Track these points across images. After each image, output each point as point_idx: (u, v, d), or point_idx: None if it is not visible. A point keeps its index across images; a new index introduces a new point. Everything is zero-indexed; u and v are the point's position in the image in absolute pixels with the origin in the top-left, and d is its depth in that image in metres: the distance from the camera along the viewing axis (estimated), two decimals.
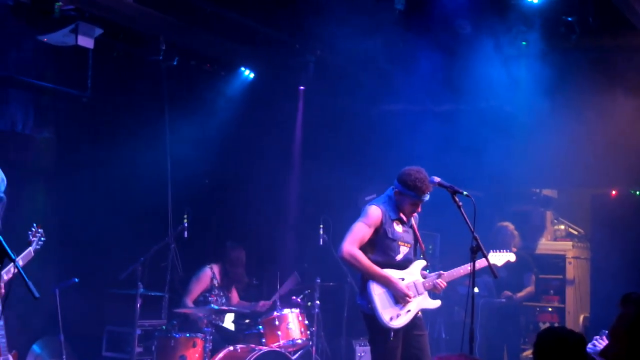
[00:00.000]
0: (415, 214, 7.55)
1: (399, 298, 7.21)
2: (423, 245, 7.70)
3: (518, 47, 10.37)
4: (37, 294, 5.02)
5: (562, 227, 12.95)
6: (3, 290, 6.23)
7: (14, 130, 9.30)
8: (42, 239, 6.92)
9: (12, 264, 5.39)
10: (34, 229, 6.86)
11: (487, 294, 11.02)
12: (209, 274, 9.80)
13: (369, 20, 9.89)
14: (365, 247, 7.28)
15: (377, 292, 7.22)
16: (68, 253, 9.68)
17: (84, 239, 9.79)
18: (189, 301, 9.72)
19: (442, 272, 7.49)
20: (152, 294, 9.36)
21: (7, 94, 9.19)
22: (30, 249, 6.73)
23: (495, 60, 10.41)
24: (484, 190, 11.12)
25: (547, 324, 11.61)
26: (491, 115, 11.20)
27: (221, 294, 9.72)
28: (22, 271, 5.17)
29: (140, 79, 10.44)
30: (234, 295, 10.31)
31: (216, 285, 9.69)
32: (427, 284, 7.41)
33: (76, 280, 8.73)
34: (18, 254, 7.11)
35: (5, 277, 6.27)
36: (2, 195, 5.71)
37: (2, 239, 5.11)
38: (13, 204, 8.76)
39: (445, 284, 7.45)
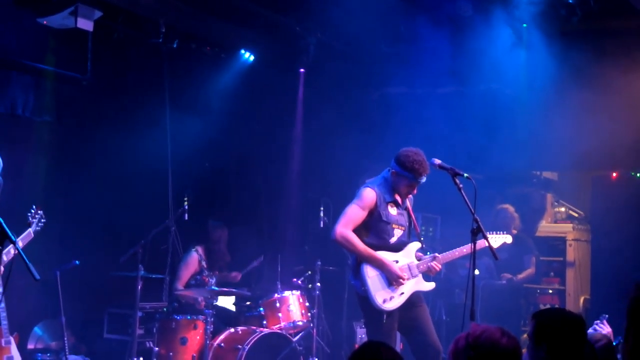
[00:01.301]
0: (410, 196, 7.54)
1: (392, 280, 7.21)
2: (418, 227, 7.71)
3: (519, 29, 10.37)
4: (37, 276, 5.05)
5: (563, 209, 12.95)
6: (2, 269, 6.24)
7: (14, 113, 9.29)
8: (42, 220, 6.94)
9: (11, 245, 5.43)
10: (33, 211, 6.87)
11: (488, 275, 11.05)
12: (196, 257, 9.86)
13: (370, 2, 9.87)
14: (359, 230, 7.29)
15: (371, 275, 7.23)
16: (69, 235, 9.69)
17: (85, 221, 9.81)
18: (180, 286, 9.74)
19: (436, 254, 7.48)
20: (153, 276, 9.38)
21: (7, 76, 9.17)
22: (30, 230, 6.74)
23: (496, 42, 10.39)
24: (484, 173, 11.10)
25: (548, 306, 11.62)
26: (492, 98, 11.18)
27: (211, 274, 9.75)
28: (22, 253, 5.20)
29: (141, 62, 10.42)
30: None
31: (205, 267, 9.74)
32: (421, 267, 7.42)
33: (77, 262, 8.74)
34: (18, 236, 7.13)
35: (5, 259, 6.28)
36: (0, 178, 5.72)
37: (2, 221, 5.13)
38: (13, 186, 8.80)
39: (440, 266, 7.45)
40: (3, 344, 7.36)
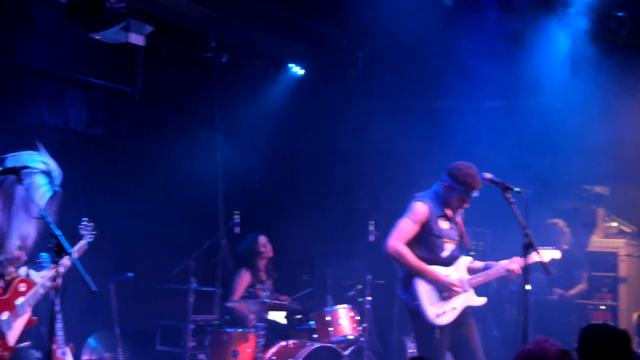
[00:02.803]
0: (461, 210, 7.49)
1: (446, 291, 7.15)
2: (468, 242, 7.64)
3: (567, 42, 10.29)
4: (94, 288, 5.08)
5: (615, 224, 12.75)
6: (59, 281, 6.28)
7: (68, 127, 9.41)
8: (93, 232, 6.98)
9: (67, 257, 5.46)
10: (84, 223, 6.92)
11: (539, 291, 10.91)
12: (247, 273, 9.85)
13: (419, 16, 9.86)
14: (411, 244, 7.24)
15: (424, 289, 7.17)
16: (122, 248, 9.78)
17: (137, 234, 9.88)
18: (235, 299, 9.76)
19: (491, 262, 7.43)
20: (205, 289, 9.41)
21: (61, 91, 9.29)
22: (83, 242, 6.79)
23: (545, 56, 10.32)
24: (533, 187, 11.01)
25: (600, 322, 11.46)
26: (542, 111, 11.09)
27: (265, 287, 9.76)
28: (78, 265, 5.23)
29: (190, 76, 10.50)
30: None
31: (259, 280, 9.75)
32: (473, 281, 7.36)
33: (130, 275, 8.80)
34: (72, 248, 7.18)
35: (62, 270, 6.32)
36: (58, 188, 5.77)
37: (61, 234, 5.17)
38: (66, 199, 8.87)
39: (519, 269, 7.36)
40: (59, 355, 7.41)
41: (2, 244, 5.58)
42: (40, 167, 5.65)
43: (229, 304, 9.43)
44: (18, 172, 5.42)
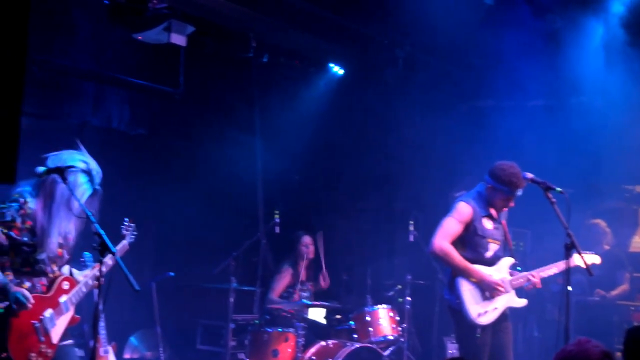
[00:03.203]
0: (505, 211, 7.46)
1: (490, 291, 7.14)
2: (511, 243, 7.61)
3: (609, 40, 10.21)
4: (137, 287, 5.15)
5: None
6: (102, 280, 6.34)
7: (110, 127, 9.49)
8: (135, 232, 7.04)
9: (110, 256, 5.53)
10: (126, 223, 6.98)
11: (580, 292, 10.82)
12: (289, 270, 9.87)
13: (458, 15, 9.83)
14: (455, 243, 7.23)
15: (466, 288, 7.17)
16: (163, 248, 9.86)
17: (178, 234, 9.95)
18: (274, 296, 9.79)
19: (532, 273, 7.37)
20: (245, 288, 9.45)
21: (103, 91, 9.37)
22: (125, 242, 6.85)
23: (586, 54, 10.25)
24: (574, 187, 10.93)
25: None
26: (583, 110, 11.00)
27: (304, 288, 9.78)
28: (122, 264, 5.29)
29: (231, 76, 10.54)
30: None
31: (299, 280, 9.76)
32: (514, 282, 7.33)
33: (172, 274, 8.86)
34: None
35: (104, 269, 6.39)
36: (98, 187, 5.83)
37: (103, 233, 5.23)
38: (108, 198, 8.95)
39: (539, 283, 7.35)
40: (102, 353, 7.52)
41: (43, 242, 5.63)
42: (80, 166, 5.71)
43: (268, 306, 9.46)
44: (63, 172, 5.50)
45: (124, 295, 5.50)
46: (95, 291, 6.00)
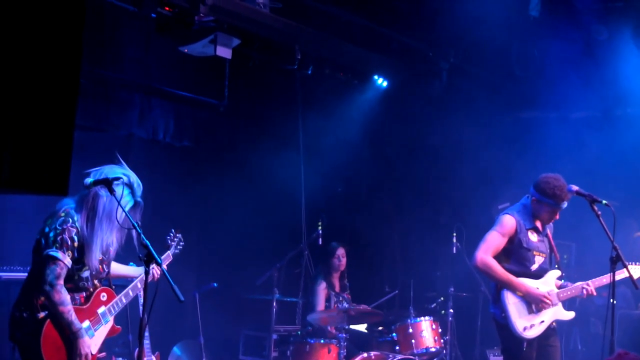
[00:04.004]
0: (551, 224, 7.44)
1: (537, 304, 7.11)
2: (558, 255, 7.57)
3: None
4: (182, 298, 5.20)
5: None
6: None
7: (155, 139, 9.58)
8: (181, 243, 7.10)
9: (156, 266, 5.60)
10: (172, 234, 7.05)
11: (625, 305, 10.74)
12: (323, 284, 9.88)
13: (503, 27, 9.82)
14: (499, 257, 7.22)
15: (512, 302, 7.15)
16: (207, 258, 9.93)
17: (222, 244, 10.02)
18: (321, 310, 9.80)
19: (588, 282, 7.33)
20: (287, 299, 9.48)
21: (150, 103, 9.47)
22: (169, 252, 6.92)
23: (632, 65, 10.18)
24: (620, 199, 10.84)
25: None
26: (627, 122, 10.93)
27: (340, 299, 9.79)
28: (167, 274, 5.34)
29: (275, 88, 10.61)
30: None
31: (334, 293, 9.78)
32: (562, 295, 7.29)
33: (215, 285, 8.93)
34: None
35: (149, 280, 6.46)
36: (139, 199, 5.89)
37: (148, 243, 5.29)
38: (153, 209, 9.06)
39: (593, 290, 7.31)
40: None
41: (87, 259, 5.71)
42: (123, 179, 5.77)
43: (310, 317, 9.46)
44: (110, 183, 5.56)
45: (169, 305, 5.55)
46: (141, 301, 6.08)
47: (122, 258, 6.24)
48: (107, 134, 9.13)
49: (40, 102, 2.88)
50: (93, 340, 5.79)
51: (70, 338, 5.59)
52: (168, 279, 5.30)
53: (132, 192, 5.82)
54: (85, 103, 8.55)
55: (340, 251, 10.05)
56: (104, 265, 5.94)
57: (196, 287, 9.06)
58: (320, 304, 9.82)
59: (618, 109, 11.09)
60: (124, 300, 6.09)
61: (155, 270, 6.24)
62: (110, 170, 5.75)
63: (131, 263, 6.58)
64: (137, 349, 5.46)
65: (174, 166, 10.00)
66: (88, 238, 5.66)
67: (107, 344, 8.58)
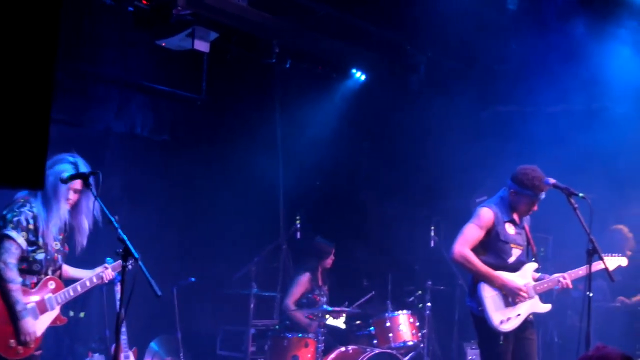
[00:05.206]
0: (528, 216, 7.46)
1: (514, 296, 7.12)
2: (535, 248, 7.59)
3: (632, 47, 10.20)
4: (159, 292, 5.19)
5: None
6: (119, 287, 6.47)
7: (133, 133, 9.55)
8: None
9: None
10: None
11: (601, 298, 10.79)
12: (308, 276, 9.88)
13: (481, 20, 9.84)
14: (477, 249, 7.22)
15: (489, 295, 7.15)
16: (185, 253, 9.88)
17: (200, 239, 9.99)
18: (291, 303, 9.78)
19: (564, 275, 7.36)
20: (265, 294, 9.48)
21: (128, 97, 9.45)
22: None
23: (607, 60, 10.23)
24: (596, 192, 10.90)
25: None
26: (604, 116, 10.99)
27: (322, 292, 9.81)
28: (145, 270, 5.33)
29: (253, 82, 10.59)
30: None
31: (317, 285, 9.79)
32: (538, 288, 7.31)
33: (193, 279, 8.91)
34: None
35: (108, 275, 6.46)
36: (85, 171, 5.92)
37: (126, 239, 5.27)
38: (131, 203, 9.04)
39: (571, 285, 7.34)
40: (123, 358, 7.56)
41: (43, 241, 5.93)
42: (67, 159, 5.93)
43: (288, 312, 9.47)
44: (87, 178, 5.63)
45: (146, 300, 5.53)
46: (118, 296, 6.07)
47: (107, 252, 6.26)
48: (85, 128, 9.10)
49: (16, 96, 2.86)
50: (37, 323, 5.92)
51: (14, 317, 5.74)
52: (145, 274, 5.28)
53: (76, 167, 5.87)
54: (62, 97, 8.51)
55: (332, 250, 10.10)
56: (60, 256, 6.12)
57: (174, 282, 9.03)
58: (295, 294, 9.81)
59: (596, 102, 11.14)
60: (71, 293, 6.20)
61: (106, 273, 6.34)
62: (58, 157, 5.93)
63: (108, 259, 6.56)
64: (114, 345, 5.43)
65: (152, 160, 9.95)
66: (45, 220, 5.87)
67: (84, 340, 8.61)
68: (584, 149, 10.83)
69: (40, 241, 5.88)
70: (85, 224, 6.15)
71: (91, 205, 5.94)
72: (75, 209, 6.14)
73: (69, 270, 6.39)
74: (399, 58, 10.97)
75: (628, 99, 10.69)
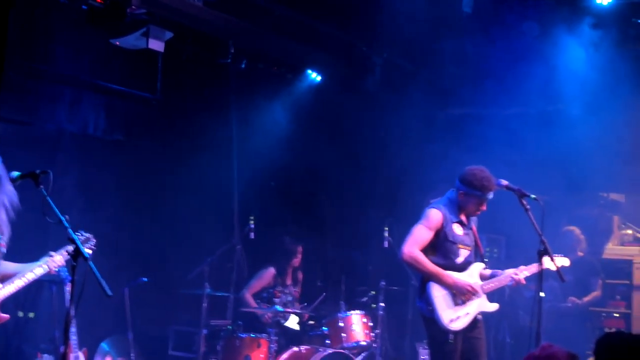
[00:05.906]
0: (475, 217, 7.53)
1: (463, 294, 7.19)
2: (482, 248, 7.67)
3: (586, 49, 10.30)
4: (110, 292, 5.17)
5: (630, 232, 12.72)
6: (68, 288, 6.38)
7: (86, 133, 9.48)
8: (92, 242, 6.87)
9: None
10: (80, 234, 6.91)
11: (552, 298, 10.90)
12: (272, 272, 9.90)
13: (437, 23, 9.90)
14: (426, 250, 7.28)
15: (439, 294, 7.22)
16: (137, 253, 9.83)
17: (153, 239, 9.94)
18: (248, 294, 9.78)
19: (516, 270, 7.43)
20: (218, 294, 9.47)
21: (80, 96, 9.36)
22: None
23: (561, 62, 10.34)
24: (549, 194, 11.01)
25: (613, 330, 11.43)
26: (557, 118, 11.11)
27: (286, 291, 9.82)
28: (95, 269, 5.31)
29: (209, 82, 10.56)
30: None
31: (283, 283, 9.80)
32: (485, 287, 7.40)
33: (145, 279, 8.88)
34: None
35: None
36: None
37: (77, 238, 5.26)
38: (84, 204, 8.99)
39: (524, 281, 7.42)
40: (72, 359, 7.52)
41: None
42: None
43: (244, 309, 9.48)
44: (37, 177, 5.56)
45: (96, 300, 5.51)
46: (67, 296, 6.02)
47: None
48: (37, 127, 9.03)
49: None
50: None
51: None
52: (95, 274, 5.26)
53: None
54: (13, 96, 8.42)
55: (300, 249, 10.11)
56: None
57: (126, 281, 8.99)
58: (254, 287, 9.83)
59: (551, 105, 11.25)
60: (20, 284, 5.96)
61: (50, 261, 6.17)
62: None
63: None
64: (63, 345, 5.40)
65: (106, 161, 9.86)
66: None
67: (33, 341, 8.54)
68: (538, 150, 10.95)
69: None
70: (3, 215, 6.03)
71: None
72: None
73: (8, 267, 6.22)
74: (355, 59, 11.01)
75: (582, 101, 10.80)
